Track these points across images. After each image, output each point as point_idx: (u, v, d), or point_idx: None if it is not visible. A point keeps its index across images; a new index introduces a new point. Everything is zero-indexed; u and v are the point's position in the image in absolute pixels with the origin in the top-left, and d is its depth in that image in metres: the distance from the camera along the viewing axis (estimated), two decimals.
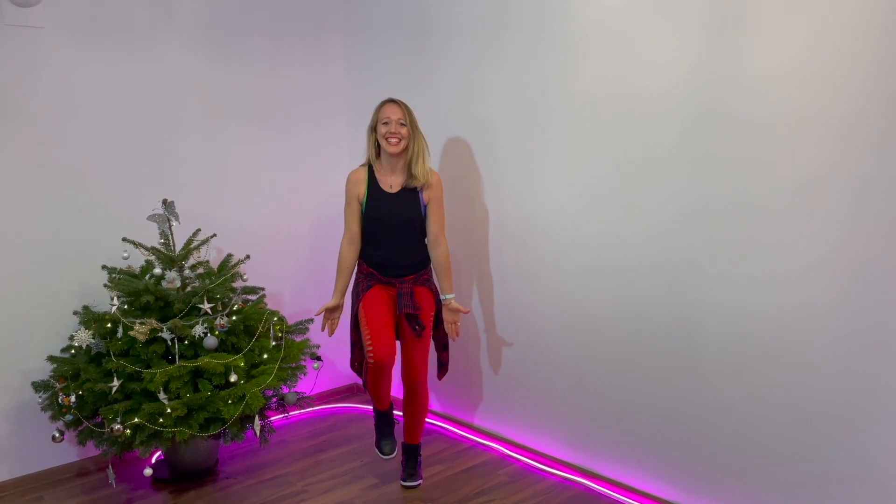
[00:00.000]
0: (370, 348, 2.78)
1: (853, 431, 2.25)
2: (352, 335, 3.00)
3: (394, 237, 2.86)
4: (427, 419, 3.62)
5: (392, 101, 2.84)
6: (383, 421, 3.11)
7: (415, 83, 3.56)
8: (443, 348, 3.10)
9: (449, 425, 3.58)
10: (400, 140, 2.78)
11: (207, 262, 3.15)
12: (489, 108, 3.24)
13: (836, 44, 2.16)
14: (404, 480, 3.05)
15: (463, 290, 3.49)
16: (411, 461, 3.08)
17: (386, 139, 2.78)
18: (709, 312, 2.56)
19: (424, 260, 2.96)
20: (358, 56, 3.88)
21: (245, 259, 3.21)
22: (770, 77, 2.31)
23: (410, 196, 2.85)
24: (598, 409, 2.98)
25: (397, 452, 3.12)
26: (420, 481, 3.05)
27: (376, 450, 3.10)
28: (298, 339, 3.20)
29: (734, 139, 2.42)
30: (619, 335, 2.86)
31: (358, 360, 3.01)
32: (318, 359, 3.21)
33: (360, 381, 3.72)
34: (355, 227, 2.90)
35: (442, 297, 2.95)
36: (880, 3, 2.06)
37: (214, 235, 3.18)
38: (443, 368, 3.11)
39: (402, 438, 3.12)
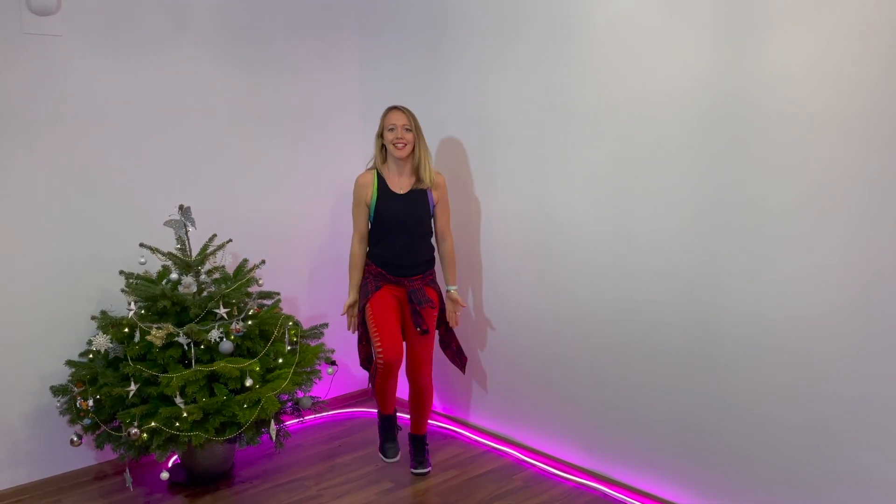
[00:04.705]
0: (379, 350, 2.97)
1: (869, 437, 2.22)
2: (359, 329, 3.16)
3: (404, 236, 3.03)
4: (441, 423, 3.65)
5: (397, 108, 3.02)
6: (388, 426, 3.26)
7: (428, 85, 3.56)
8: (456, 351, 3.26)
9: (463, 430, 3.58)
10: (406, 145, 2.97)
11: (223, 267, 3.17)
12: (503, 110, 3.24)
13: (849, 46, 2.14)
14: (414, 468, 3.14)
15: (475, 291, 3.49)
16: (419, 450, 3.19)
17: (393, 144, 2.96)
18: (724, 316, 2.55)
19: (431, 260, 3.13)
20: (372, 59, 3.89)
21: (260, 264, 3.22)
22: (783, 79, 2.29)
23: (420, 196, 3.04)
24: (612, 414, 2.97)
25: (402, 451, 3.27)
26: (430, 468, 3.16)
27: (380, 454, 3.26)
28: (313, 343, 3.21)
29: (747, 141, 2.41)
30: (634, 339, 2.85)
31: (364, 354, 3.20)
32: (333, 363, 3.21)
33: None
34: (364, 227, 3.09)
35: (447, 287, 3.17)
36: (893, 4, 2.05)
37: (230, 241, 3.20)
38: (462, 365, 3.28)
39: (409, 430, 3.25)
